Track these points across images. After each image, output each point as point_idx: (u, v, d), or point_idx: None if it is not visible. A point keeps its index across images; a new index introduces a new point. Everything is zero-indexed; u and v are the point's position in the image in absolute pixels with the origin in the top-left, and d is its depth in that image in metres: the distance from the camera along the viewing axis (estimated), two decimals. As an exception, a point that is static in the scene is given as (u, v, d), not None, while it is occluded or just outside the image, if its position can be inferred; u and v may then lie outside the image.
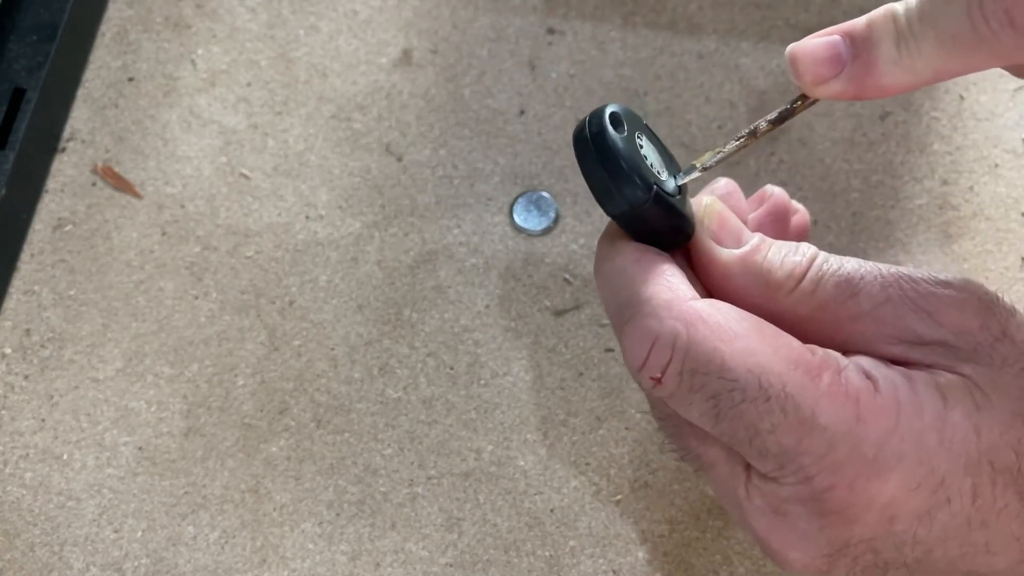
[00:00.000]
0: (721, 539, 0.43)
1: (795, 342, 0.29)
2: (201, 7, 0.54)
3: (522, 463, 0.45)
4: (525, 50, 0.53)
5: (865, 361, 0.30)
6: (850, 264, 0.31)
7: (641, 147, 0.32)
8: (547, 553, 0.43)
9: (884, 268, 0.31)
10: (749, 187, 0.50)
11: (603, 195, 0.31)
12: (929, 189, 0.49)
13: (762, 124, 0.32)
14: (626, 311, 0.30)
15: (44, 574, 0.43)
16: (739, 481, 0.31)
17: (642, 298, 0.30)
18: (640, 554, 0.43)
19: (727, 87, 0.51)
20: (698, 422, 0.30)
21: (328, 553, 0.43)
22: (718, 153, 0.33)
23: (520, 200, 0.49)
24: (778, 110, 0.32)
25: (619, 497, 0.44)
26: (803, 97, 0.32)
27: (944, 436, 0.28)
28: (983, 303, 0.30)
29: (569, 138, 0.50)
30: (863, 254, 0.48)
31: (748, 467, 0.31)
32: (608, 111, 0.31)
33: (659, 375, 0.30)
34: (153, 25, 0.53)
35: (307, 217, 0.49)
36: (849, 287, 0.30)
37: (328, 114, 0.51)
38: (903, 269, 0.31)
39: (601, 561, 0.43)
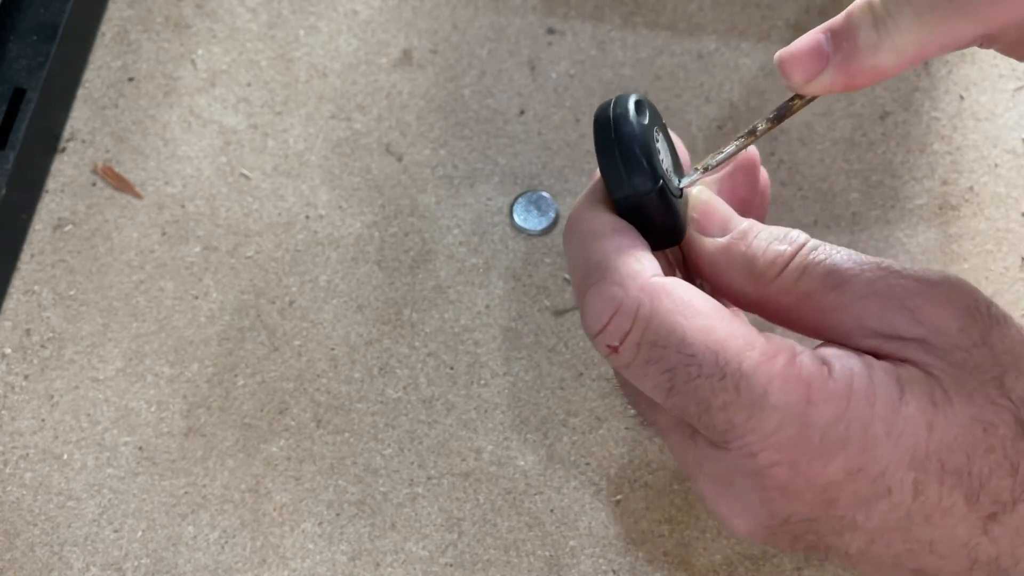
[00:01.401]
0: (721, 539, 0.43)
1: (755, 331, 0.30)
2: (201, 7, 0.54)
3: (522, 463, 0.45)
4: (525, 50, 0.53)
5: (831, 349, 0.30)
6: (840, 255, 0.31)
7: (657, 141, 0.32)
8: (547, 553, 0.43)
9: (874, 262, 0.31)
10: (749, 187, 0.50)
11: (611, 175, 0.31)
12: (929, 189, 0.49)
13: (761, 124, 0.32)
14: (593, 275, 0.31)
15: (44, 574, 0.43)
16: (689, 448, 0.32)
17: (611, 265, 0.30)
18: (640, 554, 0.43)
19: (727, 87, 0.51)
20: (650, 393, 0.31)
21: (328, 553, 0.43)
22: (719, 154, 0.33)
23: (520, 200, 0.49)
24: (776, 108, 0.32)
25: (619, 497, 0.44)
26: (799, 95, 0.32)
27: (893, 428, 0.29)
28: (969, 306, 0.30)
29: (569, 138, 0.50)
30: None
31: (697, 433, 0.31)
32: (634, 97, 0.31)
33: (617, 344, 0.30)
34: (153, 25, 0.53)
35: (307, 217, 0.49)
36: (834, 278, 0.31)
37: (328, 114, 0.51)
38: (895, 265, 0.31)
39: (601, 561, 0.43)
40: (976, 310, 0.30)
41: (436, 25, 0.53)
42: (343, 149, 0.51)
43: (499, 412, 0.46)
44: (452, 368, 0.46)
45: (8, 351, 0.47)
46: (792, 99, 0.32)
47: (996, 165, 0.50)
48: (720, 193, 0.35)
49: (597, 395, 0.46)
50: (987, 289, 0.47)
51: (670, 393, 0.30)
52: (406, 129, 0.51)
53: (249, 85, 0.52)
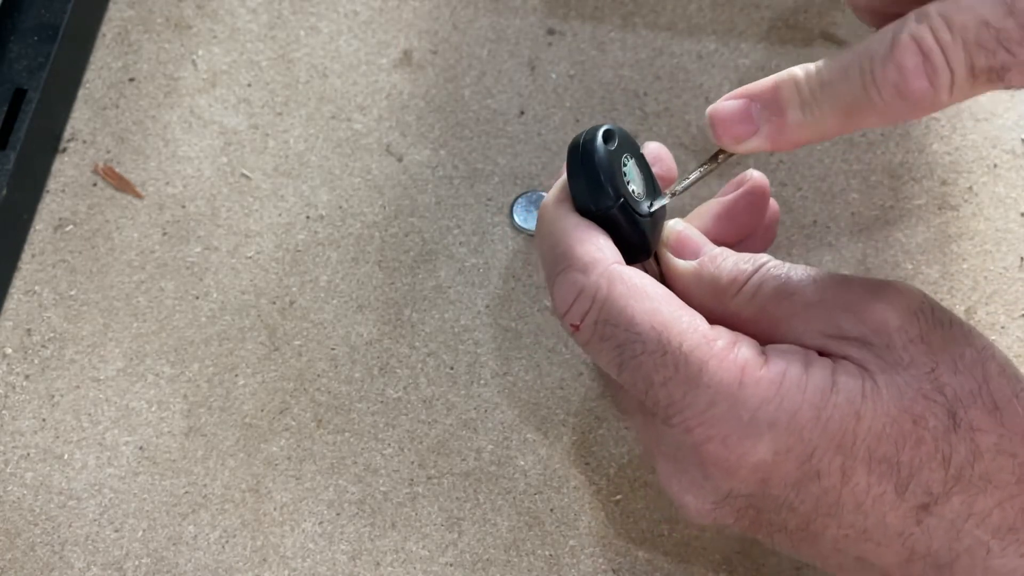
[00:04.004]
0: (721, 539, 0.43)
1: (701, 318, 0.33)
2: (202, 8, 0.54)
3: (522, 463, 0.45)
4: (525, 50, 0.53)
5: (775, 345, 0.33)
6: (795, 271, 0.34)
7: (625, 165, 0.35)
8: (547, 553, 0.43)
9: (827, 274, 0.34)
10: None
11: (576, 193, 0.35)
12: (928, 189, 0.50)
13: (722, 153, 0.35)
14: (560, 263, 0.34)
15: (45, 574, 0.43)
16: (650, 427, 0.34)
17: (576, 254, 0.34)
18: (640, 554, 0.43)
19: (727, 87, 0.51)
20: (606, 369, 0.34)
21: (328, 552, 0.43)
22: (685, 179, 0.36)
23: (520, 200, 0.49)
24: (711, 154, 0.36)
25: (619, 497, 0.44)
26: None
27: (822, 414, 0.31)
28: (911, 307, 0.32)
29: (569, 138, 0.50)
30: (862, 254, 0.48)
31: (654, 414, 0.34)
32: (604, 127, 0.35)
33: (578, 322, 0.33)
34: (154, 26, 0.54)
35: (307, 217, 0.49)
36: (787, 290, 0.33)
37: (328, 114, 0.51)
38: (848, 276, 0.34)
39: (601, 561, 0.43)
40: (919, 311, 0.32)
41: (436, 25, 0.53)
42: (343, 149, 0.51)
43: (499, 412, 0.46)
44: (452, 368, 0.46)
45: (9, 351, 0.47)
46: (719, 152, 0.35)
47: (995, 165, 0.50)
48: (720, 215, 0.38)
49: (597, 395, 0.46)
50: (986, 289, 0.47)
51: (621, 368, 0.33)
52: (406, 129, 0.51)
53: (250, 86, 0.52)
